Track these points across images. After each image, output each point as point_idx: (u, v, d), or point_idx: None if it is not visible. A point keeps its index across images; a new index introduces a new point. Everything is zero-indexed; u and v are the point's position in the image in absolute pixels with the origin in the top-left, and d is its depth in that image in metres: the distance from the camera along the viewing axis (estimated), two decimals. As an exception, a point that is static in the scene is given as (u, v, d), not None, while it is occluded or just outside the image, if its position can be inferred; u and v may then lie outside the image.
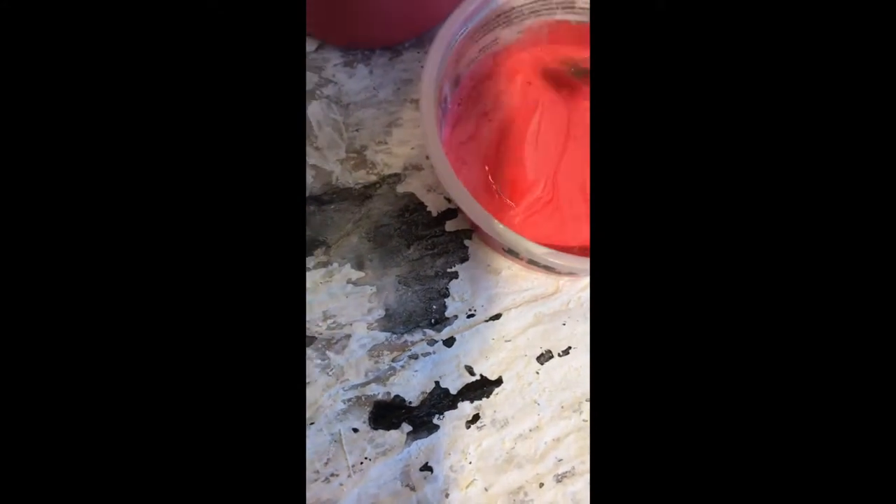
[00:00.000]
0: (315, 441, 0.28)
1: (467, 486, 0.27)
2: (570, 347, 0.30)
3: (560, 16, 0.32)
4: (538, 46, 0.33)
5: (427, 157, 0.32)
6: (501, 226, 0.25)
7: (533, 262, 0.28)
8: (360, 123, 0.33)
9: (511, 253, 0.28)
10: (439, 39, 0.27)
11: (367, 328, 0.29)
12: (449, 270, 0.31)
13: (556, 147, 0.32)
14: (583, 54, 0.33)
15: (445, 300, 0.30)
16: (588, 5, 0.31)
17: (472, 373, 0.29)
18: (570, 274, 0.30)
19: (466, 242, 0.31)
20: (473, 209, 0.25)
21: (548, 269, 0.29)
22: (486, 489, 0.27)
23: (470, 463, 0.28)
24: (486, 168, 0.31)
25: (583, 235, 0.31)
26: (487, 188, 0.31)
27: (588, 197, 0.31)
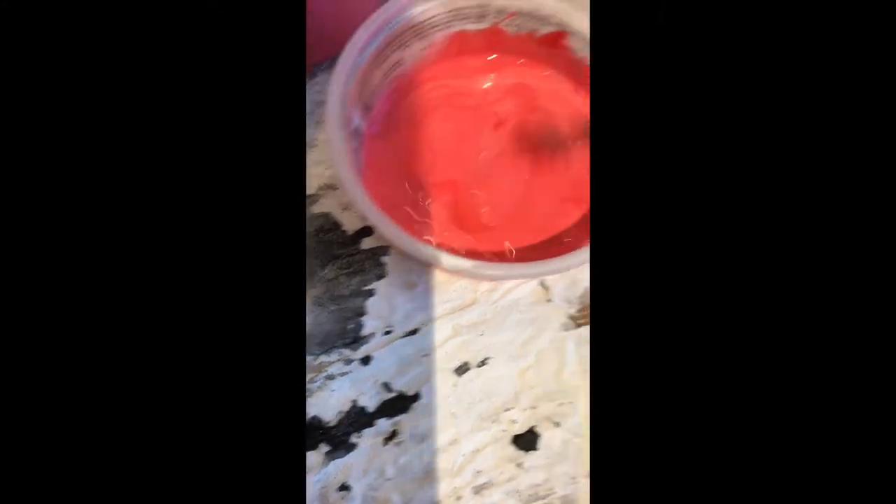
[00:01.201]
0: (235, 466, 0.28)
1: (385, 504, 0.27)
2: (487, 358, 0.30)
3: (460, 26, 0.32)
4: (445, 60, 0.33)
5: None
6: (413, 240, 0.25)
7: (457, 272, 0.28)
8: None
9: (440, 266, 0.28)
10: (341, 62, 0.28)
11: (285, 351, 0.30)
12: (365, 288, 0.31)
13: (470, 157, 0.32)
14: (485, 57, 0.33)
15: (362, 318, 0.30)
16: (487, 13, 0.31)
17: (389, 389, 0.29)
18: (491, 279, 0.30)
19: (384, 259, 0.31)
20: (387, 227, 0.25)
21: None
22: (404, 505, 0.27)
23: (388, 480, 0.28)
24: (407, 185, 0.31)
25: (501, 242, 0.31)
26: (413, 204, 0.31)
27: (498, 203, 0.31)
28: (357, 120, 0.30)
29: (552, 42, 0.32)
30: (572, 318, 0.30)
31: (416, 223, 0.31)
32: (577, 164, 0.32)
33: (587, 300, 0.31)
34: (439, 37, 0.32)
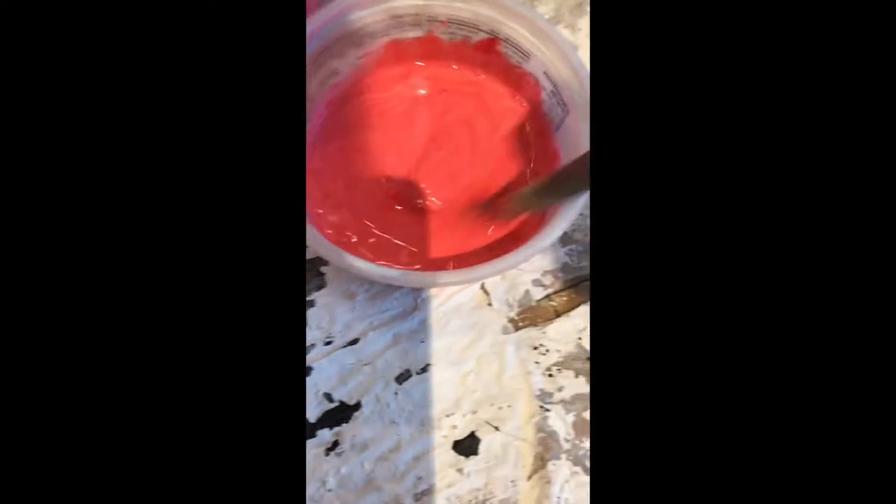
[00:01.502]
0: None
1: (327, 514, 0.28)
2: (428, 365, 0.30)
3: (395, 34, 0.32)
4: (381, 68, 0.33)
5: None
6: (352, 257, 0.25)
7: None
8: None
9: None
10: None
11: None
12: (306, 299, 0.31)
13: (413, 157, 0.33)
14: (420, 64, 0.34)
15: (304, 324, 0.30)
16: (421, 21, 0.31)
17: (330, 399, 0.29)
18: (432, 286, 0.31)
19: (323, 269, 0.31)
20: (315, 241, 0.25)
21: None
22: (345, 515, 0.28)
23: (329, 490, 0.28)
24: (344, 191, 0.31)
25: (449, 244, 0.31)
26: (351, 213, 0.31)
27: (445, 202, 0.32)
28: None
29: (486, 48, 0.32)
30: (512, 321, 0.31)
31: (352, 232, 0.31)
32: (517, 164, 0.32)
33: (526, 303, 0.31)
34: (375, 45, 0.32)
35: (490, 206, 0.31)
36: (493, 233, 0.31)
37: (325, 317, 0.30)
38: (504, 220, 0.31)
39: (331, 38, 0.30)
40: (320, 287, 0.31)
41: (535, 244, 0.26)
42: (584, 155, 0.24)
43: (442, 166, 0.33)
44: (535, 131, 0.33)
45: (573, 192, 0.25)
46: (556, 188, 0.26)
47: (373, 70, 0.33)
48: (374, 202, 0.32)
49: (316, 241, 0.25)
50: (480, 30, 0.31)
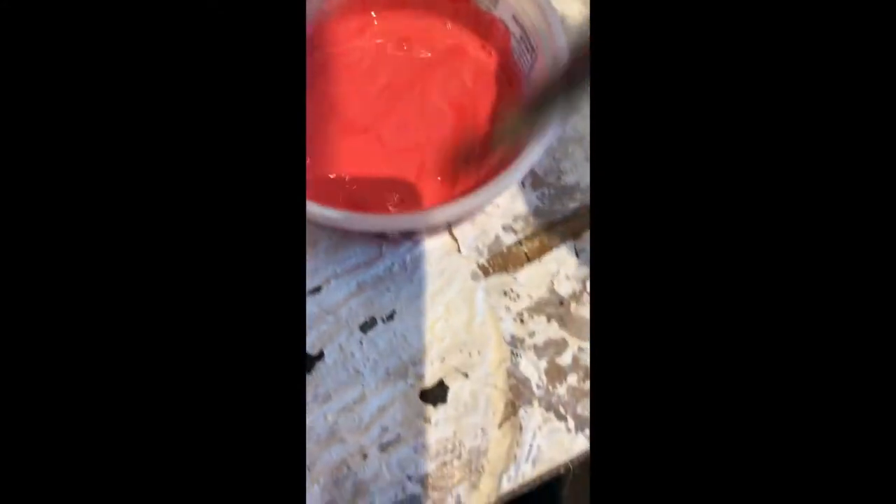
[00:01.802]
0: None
1: (287, 468, 0.26)
2: (394, 312, 0.29)
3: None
4: (344, 17, 0.32)
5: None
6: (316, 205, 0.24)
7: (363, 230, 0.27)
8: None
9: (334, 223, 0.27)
10: None
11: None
12: (265, 247, 0.29)
13: (378, 110, 0.31)
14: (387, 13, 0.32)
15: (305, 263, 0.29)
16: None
17: (291, 350, 0.28)
18: (395, 240, 0.29)
19: (284, 217, 0.30)
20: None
21: (379, 236, 0.28)
22: (307, 469, 0.26)
23: (290, 443, 0.26)
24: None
25: (419, 198, 0.30)
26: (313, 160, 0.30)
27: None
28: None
29: None
30: (482, 267, 0.29)
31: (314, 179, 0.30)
32: (489, 115, 0.31)
33: (496, 248, 0.30)
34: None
35: (472, 148, 0.30)
36: (469, 180, 0.30)
37: (285, 265, 0.29)
38: (490, 160, 0.30)
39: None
40: (280, 235, 0.30)
41: (500, 181, 0.25)
42: (569, 61, 0.23)
43: (412, 119, 0.31)
44: (506, 80, 0.32)
45: (564, 99, 0.24)
46: (544, 101, 0.25)
47: (334, 19, 0.32)
48: (339, 160, 0.30)
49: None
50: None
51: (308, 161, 0.30)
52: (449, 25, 0.32)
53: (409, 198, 0.30)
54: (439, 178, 0.30)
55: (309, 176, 0.29)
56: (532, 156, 0.25)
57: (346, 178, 0.30)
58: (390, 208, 0.29)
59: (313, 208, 0.24)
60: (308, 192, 0.27)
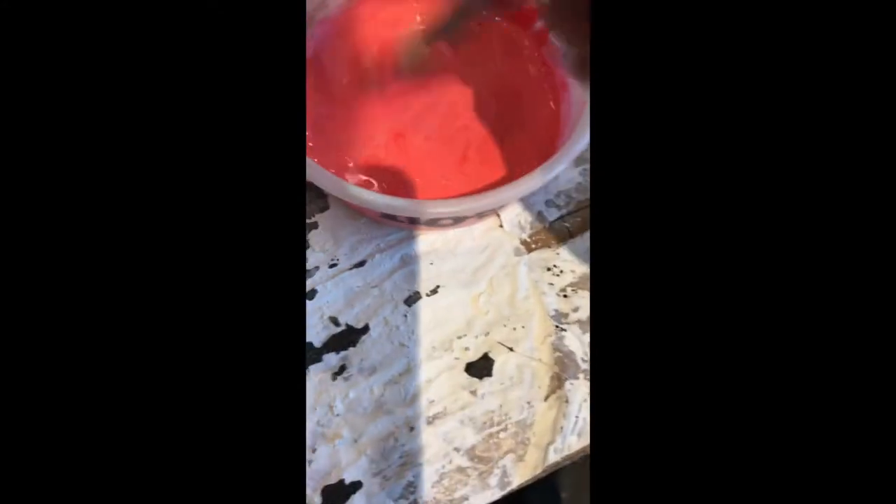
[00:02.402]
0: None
1: (335, 439, 0.26)
2: (438, 286, 0.29)
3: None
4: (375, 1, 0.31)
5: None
6: (356, 188, 0.24)
7: (413, 221, 0.27)
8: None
9: (388, 216, 0.27)
10: None
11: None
12: (308, 221, 0.29)
13: (403, 97, 0.31)
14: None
15: (305, 252, 0.29)
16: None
17: (336, 323, 0.28)
18: (446, 226, 0.29)
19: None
20: (325, 181, 0.24)
21: (428, 224, 0.28)
22: (354, 440, 0.26)
23: (337, 415, 0.27)
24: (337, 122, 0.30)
25: (449, 185, 0.29)
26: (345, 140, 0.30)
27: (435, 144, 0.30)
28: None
29: None
30: (524, 242, 0.29)
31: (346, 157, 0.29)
32: (540, 118, 0.31)
33: (539, 224, 0.30)
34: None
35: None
36: (508, 171, 0.29)
37: (329, 239, 0.29)
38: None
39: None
40: (323, 209, 0.30)
41: (552, 164, 0.25)
42: None
43: (445, 105, 0.31)
44: (542, 60, 0.31)
45: None
46: None
47: (365, 4, 0.31)
48: (373, 142, 0.30)
49: (317, 173, 0.24)
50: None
51: (348, 145, 0.29)
52: (484, 13, 0.32)
53: (453, 182, 0.30)
54: (482, 163, 0.30)
55: (350, 162, 0.29)
56: (583, 138, 0.25)
57: (389, 164, 0.29)
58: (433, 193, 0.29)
59: (375, 197, 0.24)
60: (352, 178, 0.27)
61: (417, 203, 0.25)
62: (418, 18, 0.32)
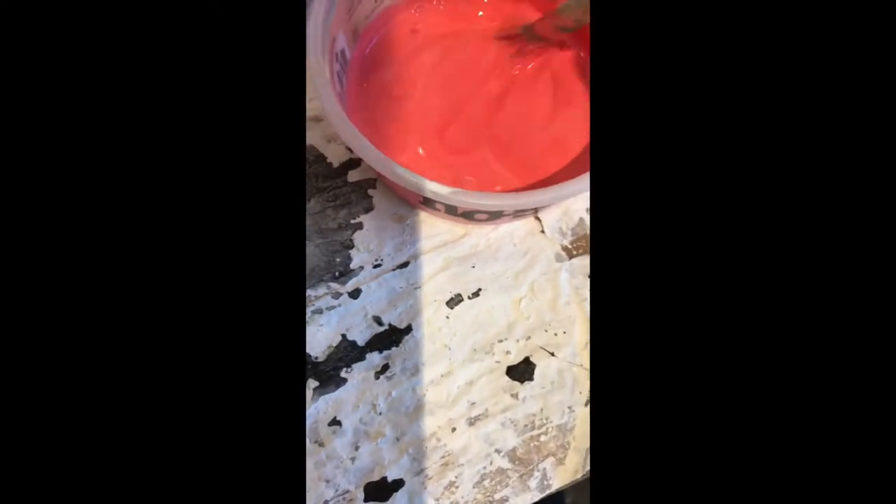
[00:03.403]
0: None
1: (378, 438, 0.27)
2: (480, 289, 0.29)
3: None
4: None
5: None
6: (402, 169, 0.24)
7: (449, 211, 0.27)
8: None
9: (427, 203, 0.27)
10: None
11: (270, 286, 0.28)
12: (353, 221, 0.30)
13: (459, 95, 0.31)
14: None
15: (350, 252, 0.29)
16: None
17: (380, 323, 0.28)
18: (480, 221, 0.29)
19: (370, 192, 0.30)
20: (372, 156, 0.24)
21: (465, 216, 0.28)
22: (397, 439, 0.27)
23: (380, 414, 0.27)
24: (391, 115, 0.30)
25: (491, 181, 0.30)
26: (398, 131, 0.30)
27: (490, 142, 0.30)
28: (343, 43, 0.28)
29: None
30: (566, 249, 0.30)
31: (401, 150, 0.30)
32: (575, 108, 0.31)
33: (580, 231, 0.30)
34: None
35: (531, 28, 0.30)
36: (550, 167, 0.30)
37: (373, 239, 0.29)
38: (542, 42, 0.30)
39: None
40: (368, 210, 0.30)
41: (581, 179, 0.25)
42: None
43: (498, 102, 0.31)
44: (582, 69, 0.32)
45: None
46: None
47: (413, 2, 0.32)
48: (427, 132, 0.30)
49: (367, 151, 0.24)
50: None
51: (403, 138, 0.30)
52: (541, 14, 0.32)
53: (497, 180, 0.30)
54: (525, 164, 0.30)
55: (402, 157, 0.29)
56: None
57: (443, 156, 0.30)
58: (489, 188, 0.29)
59: (431, 185, 0.24)
60: (414, 168, 0.27)
61: (456, 192, 0.25)
62: (481, 14, 0.32)
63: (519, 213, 0.29)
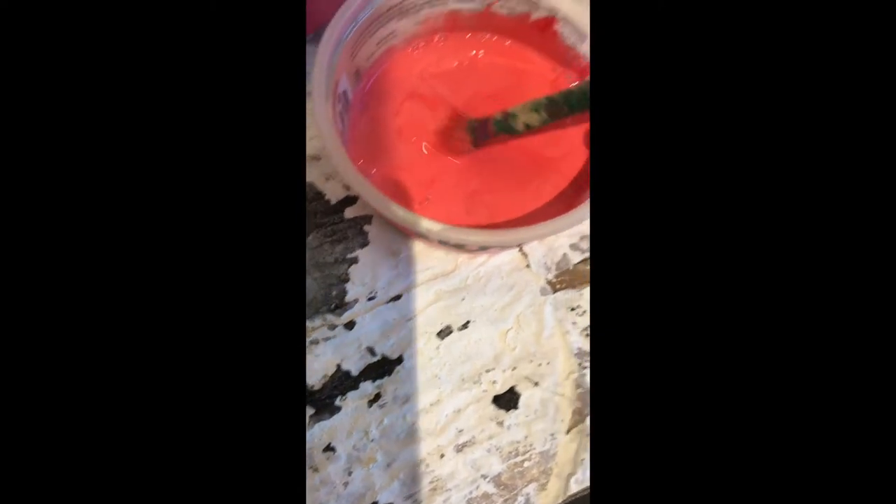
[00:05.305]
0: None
1: (370, 463, 0.28)
2: (469, 321, 0.31)
3: (454, 5, 0.32)
4: (436, 34, 0.34)
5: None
6: (397, 206, 0.25)
7: (443, 242, 0.29)
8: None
9: (421, 234, 0.29)
10: (329, 32, 0.28)
11: (270, 317, 0.30)
12: (349, 256, 0.31)
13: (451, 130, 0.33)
14: (473, 36, 0.34)
15: (346, 285, 0.31)
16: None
17: (373, 353, 0.30)
18: (475, 251, 0.31)
19: (366, 228, 0.32)
20: (371, 194, 0.26)
21: (457, 246, 0.29)
22: (388, 464, 0.28)
23: (372, 440, 0.28)
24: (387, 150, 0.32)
25: (487, 214, 0.31)
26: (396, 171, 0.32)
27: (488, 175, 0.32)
28: (345, 85, 0.30)
29: (543, 27, 0.32)
30: (550, 283, 0.32)
31: (398, 188, 0.31)
32: (567, 142, 0.33)
33: (564, 266, 0.32)
34: (433, 13, 0.32)
35: (481, 123, 0.32)
36: (542, 199, 0.32)
37: (367, 273, 0.31)
38: (489, 139, 0.31)
39: (372, 13, 0.30)
40: (364, 245, 0.32)
41: (579, 212, 0.27)
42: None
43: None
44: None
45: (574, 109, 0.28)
46: (562, 104, 0.28)
47: (425, 37, 0.34)
48: (418, 164, 0.32)
49: (365, 191, 0.26)
50: (541, 6, 0.31)
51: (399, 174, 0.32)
52: (533, 56, 0.34)
53: (495, 211, 0.32)
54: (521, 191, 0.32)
55: (396, 191, 0.31)
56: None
57: (435, 194, 0.32)
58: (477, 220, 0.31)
59: (423, 220, 0.26)
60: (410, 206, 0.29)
61: (447, 229, 0.26)
62: (479, 53, 0.34)
63: (505, 247, 0.31)
